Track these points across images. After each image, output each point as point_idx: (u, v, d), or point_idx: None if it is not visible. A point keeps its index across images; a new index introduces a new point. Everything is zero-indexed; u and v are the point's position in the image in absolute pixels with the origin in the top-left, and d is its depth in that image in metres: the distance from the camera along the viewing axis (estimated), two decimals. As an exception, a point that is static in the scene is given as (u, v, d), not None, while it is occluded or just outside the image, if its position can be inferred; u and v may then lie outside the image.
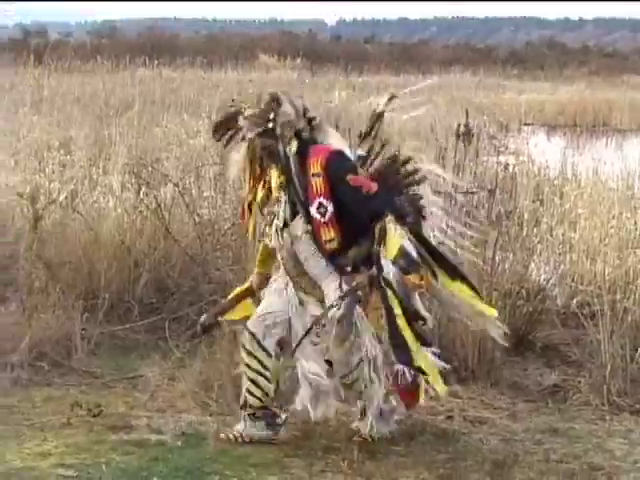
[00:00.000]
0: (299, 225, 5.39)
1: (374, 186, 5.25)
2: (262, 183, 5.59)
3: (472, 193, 7.39)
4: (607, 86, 36.64)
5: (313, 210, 5.31)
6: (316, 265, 5.39)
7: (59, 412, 5.85)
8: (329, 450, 5.47)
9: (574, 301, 7.83)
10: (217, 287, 7.48)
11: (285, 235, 5.43)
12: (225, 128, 5.62)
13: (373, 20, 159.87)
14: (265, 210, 5.60)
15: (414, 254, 5.12)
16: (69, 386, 6.34)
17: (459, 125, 8.14)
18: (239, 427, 5.58)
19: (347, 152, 5.57)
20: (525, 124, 21.95)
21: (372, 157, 5.61)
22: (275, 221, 5.47)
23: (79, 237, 7.90)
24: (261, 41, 53.89)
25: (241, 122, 5.45)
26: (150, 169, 8.57)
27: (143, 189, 8.50)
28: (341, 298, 5.24)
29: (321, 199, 5.29)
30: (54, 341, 6.60)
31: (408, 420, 5.82)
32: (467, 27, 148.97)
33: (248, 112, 5.45)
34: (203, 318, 5.98)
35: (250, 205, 5.69)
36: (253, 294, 5.90)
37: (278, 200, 5.47)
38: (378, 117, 5.78)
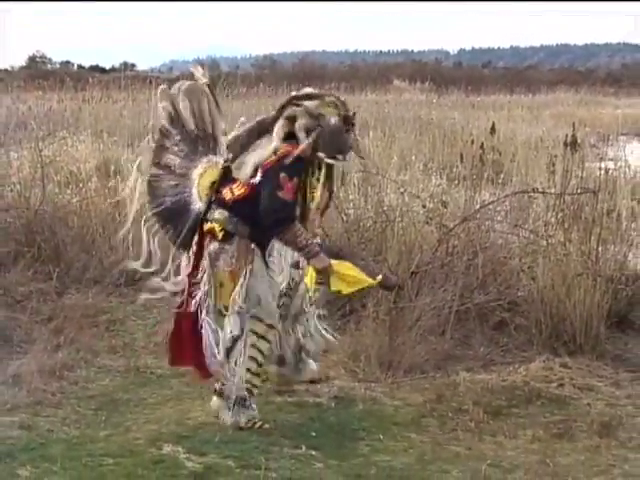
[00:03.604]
0: None
1: None
2: None
3: (579, 194, 7.26)
4: (696, 101, 35.43)
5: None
6: None
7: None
8: (458, 412, 5.43)
9: (669, 285, 7.59)
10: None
11: None
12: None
13: (489, 48, 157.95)
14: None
15: None
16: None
17: (567, 136, 8.00)
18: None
19: None
20: (621, 134, 21.38)
21: None
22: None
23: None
24: (395, 68, 53.63)
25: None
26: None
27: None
28: None
29: None
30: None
31: (526, 387, 5.75)
32: (570, 53, 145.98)
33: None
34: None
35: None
36: None
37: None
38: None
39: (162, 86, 5.51)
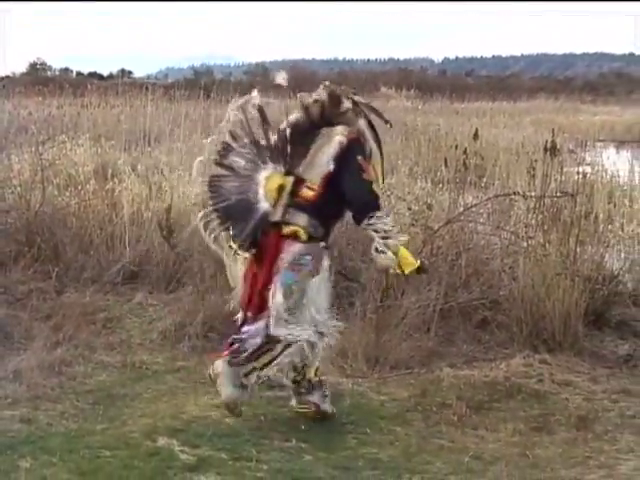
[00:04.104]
0: None
1: None
2: None
3: (558, 197, 7.28)
4: (668, 108, 35.51)
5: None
6: None
7: (227, 373, 5.90)
8: (442, 406, 5.43)
9: (643, 285, 7.62)
10: (349, 274, 7.49)
11: None
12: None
13: (472, 57, 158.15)
14: None
15: None
16: (234, 352, 6.39)
17: (546, 141, 8.02)
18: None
19: None
20: (598, 140, 21.44)
21: None
22: None
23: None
24: (382, 76, 53.54)
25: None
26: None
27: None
28: None
29: None
30: (222, 317, 6.65)
31: (507, 382, 5.76)
32: (550, 62, 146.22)
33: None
34: None
35: None
36: None
37: None
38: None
39: (236, 100, 5.49)
